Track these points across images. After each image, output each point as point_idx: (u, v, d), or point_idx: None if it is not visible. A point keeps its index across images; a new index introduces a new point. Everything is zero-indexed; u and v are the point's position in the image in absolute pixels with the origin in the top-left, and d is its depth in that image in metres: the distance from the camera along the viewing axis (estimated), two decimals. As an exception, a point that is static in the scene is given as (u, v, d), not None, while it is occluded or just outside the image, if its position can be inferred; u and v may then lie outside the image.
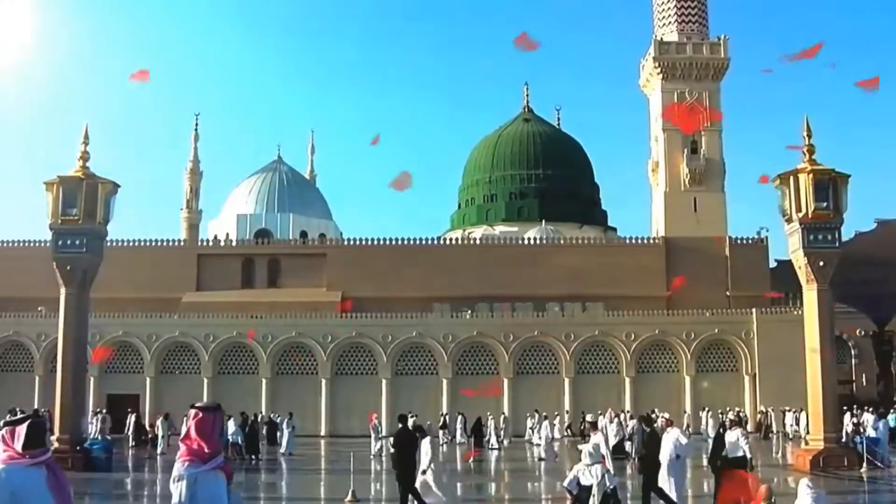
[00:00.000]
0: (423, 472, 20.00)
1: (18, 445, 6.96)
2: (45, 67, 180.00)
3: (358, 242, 74.23)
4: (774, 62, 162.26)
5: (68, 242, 33.07)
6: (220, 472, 7.11)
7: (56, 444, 32.12)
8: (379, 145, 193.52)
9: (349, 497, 22.51)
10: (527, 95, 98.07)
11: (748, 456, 20.50)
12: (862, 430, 37.67)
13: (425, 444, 20.36)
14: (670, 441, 19.66)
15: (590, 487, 18.03)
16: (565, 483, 19.31)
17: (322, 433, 59.67)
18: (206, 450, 7.04)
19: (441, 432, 49.82)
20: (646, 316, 63.17)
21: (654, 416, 24.21)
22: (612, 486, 18.20)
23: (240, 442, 40.66)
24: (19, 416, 7.33)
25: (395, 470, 20.36)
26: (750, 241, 73.02)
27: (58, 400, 32.69)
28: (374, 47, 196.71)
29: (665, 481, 19.41)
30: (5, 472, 6.89)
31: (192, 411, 7.49)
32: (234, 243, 77.77)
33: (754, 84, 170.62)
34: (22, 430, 7.03)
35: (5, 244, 71.69)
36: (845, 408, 45.39)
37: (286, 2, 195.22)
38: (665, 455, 19.47)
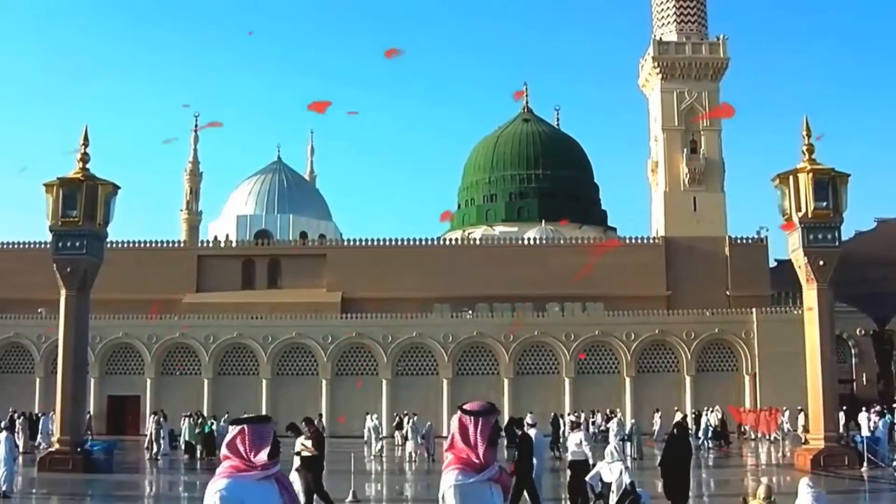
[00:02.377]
0: (297, 470, 19.78)
1: (257, 454, 5.71)
2: (45, 68, 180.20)
3: (358, 243, 74.22)
4: (773, 62, 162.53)
5: (68, 244, 33.10)
6: (494, 484, 5.97)
7: (56, 445, 32.22)
8: (378, 144, 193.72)
9: (349, 497, 22.52)
10: (526, 95, 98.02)
11: (590, 459, 20.49)
12: (859, 428, 37.74)
13: (298, 445, 20.25)
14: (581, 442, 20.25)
15: (610, 484, 18.60)
16: (588, 478, 19.71)
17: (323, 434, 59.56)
18: (474, 459, 5.90)
19: (396, 434, 49.37)
20: (646, 316, 63.16)
21: (527, 419, 24.36)
22: (629, 483, 18.45)
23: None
24: (246, 416, 6.14)
25: None
26: (750, 241, 73.03)
27: (58, 401, 32.73)
28: (372, 48, 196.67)
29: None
30: (231, 486, 5.60)
31: (461, 416, 6.10)
32: (234, 244, 77.77)
33: (754, 84, 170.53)
34: (267, 435, 5.82)
35: (5, 246, 71.71)
36: (864, 408, 45.56)
37: (286, 3, 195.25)
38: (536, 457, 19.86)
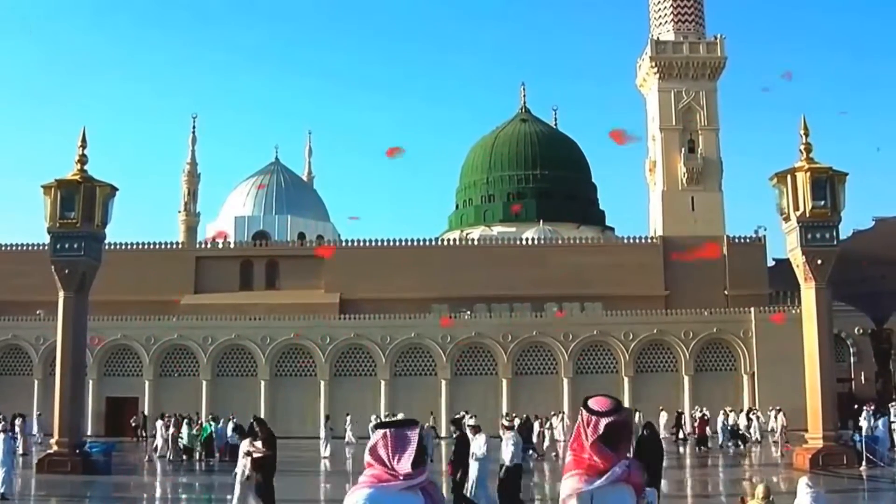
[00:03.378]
0: (248, 478, 19.68)
1: (400, 461, 5.14)
2: (43, 69, 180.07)
3: (356, 244, 74.18)
4: (770, 62, 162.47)
5: (66, 246, 33.07)
6: (625, 486, 5.48)
7: (55, 447, 32.20)
8: (376, 145, 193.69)
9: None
10: (524, 96, 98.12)
11: (519, 462, 20.21)
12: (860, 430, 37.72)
13: (243, 446, 20.16)
14: (475, 446, 19.86)
15: None
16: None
17: (321, 435, 59.52)
18: (596, 459, 5.43)
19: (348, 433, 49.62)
20: (644, 315, 63.16)
21: (464, 419, 24.29)
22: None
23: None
24: (390, 418, 5.49)
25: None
26: (748, 241, 73.04)
27: (56, 403, 32.71)
28: (371, 48, 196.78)
29: (471, 484, 19.71)
30: (372, 497, 5.08)
31: (585, 414, 5.64)
32: (231, 245, 77.72)
33: (751, 83, 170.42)
34: (409, 441, 5.20)
35: (4, 248, 71.69)
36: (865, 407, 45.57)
37: (284, 3, 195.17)
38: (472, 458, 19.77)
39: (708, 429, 49.10)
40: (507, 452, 19.40)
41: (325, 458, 42.00)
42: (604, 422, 5.45)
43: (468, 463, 19.85)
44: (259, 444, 19.79)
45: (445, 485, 21.51)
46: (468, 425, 21.47)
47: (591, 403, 5.60)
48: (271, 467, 19.96)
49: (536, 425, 45.03)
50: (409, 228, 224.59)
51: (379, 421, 20.05)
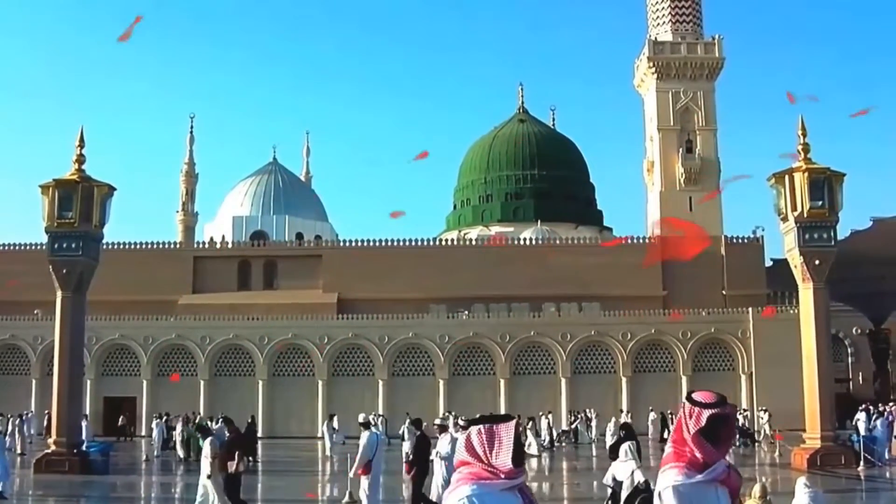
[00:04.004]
0: (209, 477, 19.65)
1: (499, 458, 4.82)
2: (41, 69, 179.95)
3: (353, 244, 74.20)
4: (768, 62, 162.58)
5: (64, 245, 33.03)
6: (721, 486, 5.17)
7: (52, 447, 32.18)
8: (375, 144, 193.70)
9: (346, 499, 22.49)
10: (521, 96, 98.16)
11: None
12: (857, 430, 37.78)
13: (206, 447, 20.10)
14: (440, 445, 19.84)
15: (622, 483, 18.64)
16: (605, 480, 19.70)
17: (319, 435, 59.56)
18: (697, 454, 5.13)
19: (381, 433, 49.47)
20: (642, 316, 63.16)
21: (447, 420, 24.32)
22: (643, 481, 18.51)
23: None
24: (489, 414, 5.22)
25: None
26: (746, 241, 73.07)
27: (54, 403, 32.69)
28: (369, 48, 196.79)
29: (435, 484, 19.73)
30: (476, 494, 4.77)
31: (688, 406, 5.29)
32: (229, 245, 77.69)
33: (749, 83, 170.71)
34: (507, 436, 4.87)
35: (1, 247, 71.65)
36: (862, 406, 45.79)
37: (282, 3, 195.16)
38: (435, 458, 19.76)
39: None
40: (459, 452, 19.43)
41: (328, 457, 42.01)
42: (707, 413, 5.16)
43: (427, 463, 19.87)
44: (207, 451, 19.70)
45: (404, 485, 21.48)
46: (436, 425, 21.46)
47: (695, 396, 5.32)
48: (236, 472, 19.92)
49: (528, 423, 44.97)
50: (407, 229, 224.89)
51: (365, 419, 19.93)
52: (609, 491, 19.57)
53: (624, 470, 18.81)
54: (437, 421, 21.97)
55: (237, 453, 19.35)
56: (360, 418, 20.39)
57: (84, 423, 49.69)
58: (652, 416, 53.85)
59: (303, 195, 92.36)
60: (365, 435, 19.19)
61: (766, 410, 54.41)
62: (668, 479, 5.14)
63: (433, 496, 19.57)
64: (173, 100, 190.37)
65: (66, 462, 30.89)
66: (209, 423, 43.38)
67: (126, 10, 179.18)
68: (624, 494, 18.37)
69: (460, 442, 4.97)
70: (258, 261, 73.76)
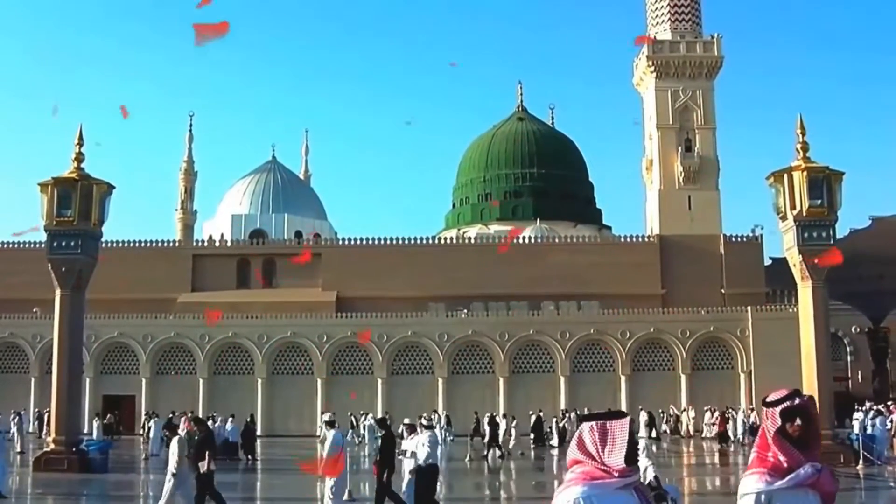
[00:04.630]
0: (174, 476, 19.64)
1: (613, 457, 4.57)
2: (39, 67, 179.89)
3: (352, 242, 74.22)
4: (767, 61, 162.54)
5: (63, 244, 32.99)
6: (811, 491, 4.83)
7: (52, 445, 32.17)
8: (375, 146, 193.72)
9: (346, 497, 22.49)
10: (520, 94, 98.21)
11: (434, 462, 19.99)
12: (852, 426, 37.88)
13: (173, 445, 20.09)
14: (413, 444, 19.80)
15: None
16: None
17: (318, 434, 59.55)
18: (781, 458, 4.83)
19: (350, 432, 49.58)
20: (641, 314, 63.15)
21: (421, 420, 24.46)
22: (654, 478, 18.62)
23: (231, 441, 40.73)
24: (604, 411, 4.96)
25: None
26: (744, 239, 73.09)
27: (53, 401, 32.67)
28: (368, 47, 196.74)
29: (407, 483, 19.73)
30: (587, 494, 4.52)
31: (769, 411, 4.99)
32: (228, 244, 77.73)
33: (748, 82, 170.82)
34: (620, 434, 4.61)
35: (0, 245, 71.63)
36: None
37: (281, 2, 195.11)
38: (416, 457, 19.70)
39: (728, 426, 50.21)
40: (421, 452, 19.41)
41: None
42: (778, 409, 4.91)
43: (394, 461, 19.90)
44: (175, 450, 19.70)
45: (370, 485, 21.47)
46: (405, 424, 21.53)
47: (768, 397, 5.06)
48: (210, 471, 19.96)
49: (503, 423, 44.87)
50: (406, 227, 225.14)
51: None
52: None
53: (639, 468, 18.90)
54: (406, 421, 22.04)
55: (207, 453, 19.36)
56: (326, 417, 20.30)
57: (95, 423, 50.00)
58: (644, 416, 53.56)
59: (302, 194, 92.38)
60: (330, 434, 19.11)
61: (753, 409, 54.74)
62: (748, 486, 4.91)
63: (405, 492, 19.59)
64: (172, 98, 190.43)
65: (65, 460, 30.86)
66: (211, 421, 43.52)
67: (127, 10, 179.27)
68: None
69: (573, 441, 4.74)
70: (257, 259, 73.75)
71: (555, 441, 48.97)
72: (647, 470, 18.67)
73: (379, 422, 22.21)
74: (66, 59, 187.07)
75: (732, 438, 49.38)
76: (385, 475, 19.68)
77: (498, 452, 40.46)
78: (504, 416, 46.68)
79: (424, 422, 21.16)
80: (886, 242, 60.95)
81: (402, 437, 21.27)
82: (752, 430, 49.62)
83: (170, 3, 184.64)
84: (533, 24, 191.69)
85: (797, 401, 4.90)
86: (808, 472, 4.80)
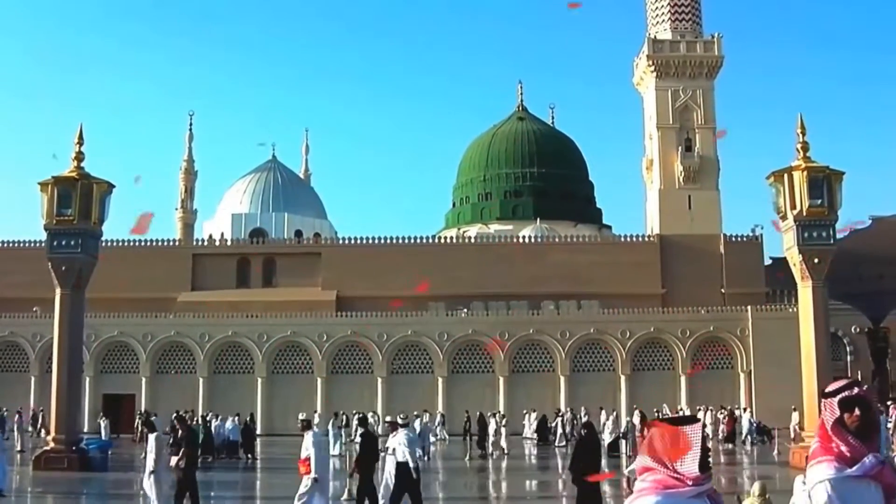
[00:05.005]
0: (153, 473, 19.66)
1: (686, 464, 4.40)
2: (39, 66, 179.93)
3: (353, 241, 74.25)
4: (767, 60, 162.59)
5: (63, 243, 33.04)
6: (873, 483, 4.68)
7: (52, 444, 32.19)
8: (375, 145, 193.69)
9: (345, 496, 22.54)
10: (521, 94, 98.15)
11: (409, 462, 19.94)
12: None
13: (150, 442, 20.11)
14: (395, 443, 19.76)
15: None
16: (626, 471, 19.84)
17: (329, 433, 59.56)
18: (843, 449, 4.70)
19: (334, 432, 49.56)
20: (641, 314, 63.16)
21: (386, 418, 24.41)
22: None
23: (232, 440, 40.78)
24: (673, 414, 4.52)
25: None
26: (745, 239, 73.10)
27: (53, 400, 32.69)
28: (368, 46, 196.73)
29: (381, 484, 19.87)
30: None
31: (827, 401, 4.88)
32: (228, 243, 77.72)
33: (748, 82, 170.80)
34: (693, 439, 4.44)
35: (0, 244, 71.66)
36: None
37: (280, 1, 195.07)
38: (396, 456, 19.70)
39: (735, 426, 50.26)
40: (399, 450, 19.51)
41: (333, 456, 41.97)
42: (836, 400, 4.75)
43: (374, 460, 20.02)
44: (153, 443, 19.79)
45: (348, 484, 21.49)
46: (387, 422, 21.57)
47: (827, 389, 4.88)
48: (192, 464, 20.08)
49: (493, 422, 44.80)
50: (406, 226, 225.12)
51: (306, 418, 19.71)
52: (628, 486, 19.82)
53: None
54: (388, 419, 22.12)
55: (182, 450, 19.43)
56: (301, 416, 20.28)
57: (103, 423, 49.77)
58: (637, 416, 53.39)
59: (302, 193, 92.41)
60: (310, 435, 19.06)
61: (745, 409, 55.09)
62: (819, 474, 4.70)
63: (381, 491, 19.65)
64: (173, 97, 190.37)
65: (64, 459, 30.90)
66: (214, 420, 43.54)
67: (127, 10, 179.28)
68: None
69: (642, 447, 4.55)
70: (257, 258, 73.77)
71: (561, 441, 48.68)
72: None
73: (360, 421, 22.13)
74: (65, 58, 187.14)
75: (742, 438, 49.30)
76: (363, 473, 19.75)
77: (488, 451, 40.62)
78: (493, 414, 46.37)
79: (400, 420, 21.22)
80: (886, 242, 60.90)
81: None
82: (759, 430, 49.71)
83: (170, 2, 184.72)
84: (533, 24, 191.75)
85: (856, 390, 4.75)
86: (873, 462, 4.67)
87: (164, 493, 19.44)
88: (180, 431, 20.27)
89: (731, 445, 47.61)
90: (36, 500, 26.95)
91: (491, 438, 42.52)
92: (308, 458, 17.87)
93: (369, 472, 19.72)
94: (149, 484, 19.59)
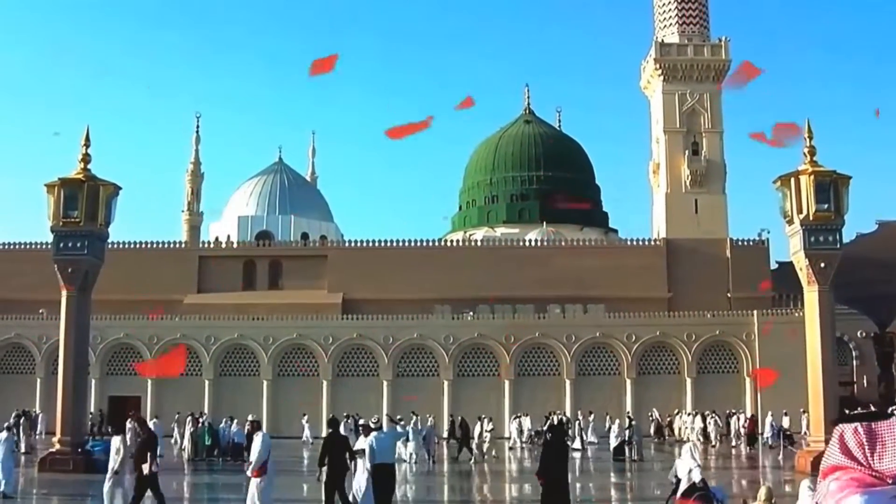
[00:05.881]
0: (116, 473, 19.68)
1: (885, 461, 4.48)
2: (47, 69, 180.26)
3: (359, 244, 74.27)
4: (775, 65, 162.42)
5: (69, 245, 33.09)
6: None
7: (57, 446, 32.22)
8: (382, 148, 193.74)
9: (350, 498, 22.50)
10: (527, 97, 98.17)
11: (379, 461, 19.86)
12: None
13: (115, 444, 20.12)
14: (365, 444, 19.90)
15: (680, 479, 19.16)
16: (670, 476, 20.19)
17: (323, 435, 59.46)
18: (866, 474, 4.30)
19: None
20: (647, 317, 63.09)
21: (361, 420, 24.53)
22: (700, 480, 18.89)
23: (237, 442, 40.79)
24: (860, 411, 4.44)
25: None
26: (751, 243, 72.99)
27: (59, 402, 32.72)
28: (374, 49, 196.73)
29: (358, 485, 19.88)
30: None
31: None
32: (235, 245, 77.84)
33: (755, 85, 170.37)
34: (889, 435, 4.44)
35: (6, 246, 71.81)
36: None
37: (287, 4, 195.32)
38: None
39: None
40: (368, 452, 19.65)
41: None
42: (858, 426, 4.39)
43: (342, 462, 19.97)
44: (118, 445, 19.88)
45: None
46: (361, 426, 21.62)
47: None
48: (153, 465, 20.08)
49: (477, 427, 44.63)
50: (412, 229, 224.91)
51: (255, 419, 19.74)
52: (672, 487, 20.06)
53: (683, 468, 19.31)
54: (362, 421, 22.22)
55: (149, 454, 19.45)
56: (250, 417, 20.24)
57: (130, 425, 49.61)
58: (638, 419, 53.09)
59: (308, 195, 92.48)
60: (259, 436, 18.93)
61: (737, 412, 55.15)
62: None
63: (355, 492, 19.72)
64: (179, 99, 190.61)
65: (70, 461, 30.92)
66: (226, 422, 43.59)
67: (135, 14, 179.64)
68: (681, 489, 18.92)
69: (832, 444, 4.31)
70: (263, 261, 73.82)
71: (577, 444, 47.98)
72: (692, 471, 19.09)
73: (329, 422, 22.11)
74: (73, 61, 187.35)
75: (764, 441, 49.15)
76: (327, 475, 19.80)
77: (470, 455, 40.60)
78: (479, 418, 45.96)
79: (373, 423, 21.31)
80: (893, 247, 60.74)
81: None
82: (781, 433, 49.55)
83: (176, 5, 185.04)
84: (540, 27, 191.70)
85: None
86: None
87: (126, 493, 19.48)
88: (142, 434, 20.32)
89: (751, 448, 47.50)
90: (41, 501, 26.99)
91: (475, 441, 42.41)
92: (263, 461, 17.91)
93: (335, 474, 19.73)
94: (108, 487, 19.63)
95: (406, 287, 68.13)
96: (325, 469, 19.95)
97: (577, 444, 47.53)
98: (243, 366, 63.03)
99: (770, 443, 48.38)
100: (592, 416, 54.76)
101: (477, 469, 38.41)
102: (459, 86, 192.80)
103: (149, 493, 19.30)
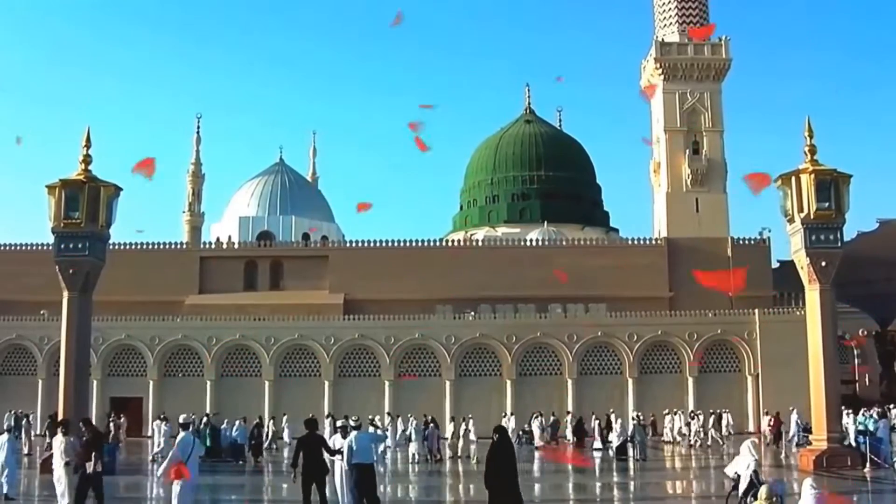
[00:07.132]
0: (65, 465, 19.80)
1: None
2: (48, 70, 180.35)
3: (360, 244, 74.27)
4: (775, 63, 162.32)
5: (70, 246, 33.09)
6: None
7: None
8: (383, 148, 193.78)
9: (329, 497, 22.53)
10: (528, 97, 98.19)
11: (358, 461, 19.92)
12: (846, 431, 37.83)
13: (57, 444, 20.23)
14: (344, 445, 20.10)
15: (740, 477, 20.09)
16: (728, 472, 20.90)
17: (325, 436, 59.45)
18: None
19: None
20: (648, 317, 63.07)
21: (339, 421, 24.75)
22: (754, 471, 19.76)
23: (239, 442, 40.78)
24: None
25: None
26: (752, 242, 72.98)
27: (60, 403, 32.70)
28: (375, 49, 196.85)
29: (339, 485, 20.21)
30: None
31: None
32: (236, 246, 77.90)
33: (756, 85, 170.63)
34: None
35: (8, 248, 71.87)
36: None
37: (289, 4, 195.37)
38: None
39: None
40: (346, 452, 19.75)
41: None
42: None
43: (316, 464, 20.02)
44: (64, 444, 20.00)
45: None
46: (338, 426, 21.70)
47: None
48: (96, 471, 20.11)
49: (450, 426, 44.24)
50: (413, 229, 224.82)
51: (185, 420, 19.74)
52: (732, 483, 20.78)
53: (742, 464, 19.97)
54: (339, 423, 22.33)
55: (94, 454, 19.45)
56: (181, 419, 20.15)
57: (163, 426, 49.50)
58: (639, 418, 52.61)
59: (309, 196, 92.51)
60: (181, 436, 18.67)
61: (726, 411, 55.06)
62: None
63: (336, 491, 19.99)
64: (180, 100, 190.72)
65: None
66: (225, 423, 43.55)
67: (131, 12, 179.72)
68: (742, 485, 19.74)
69: None
70: (264, 261, 73.83)
71: (599, 443, 47.64)
72: (749, 466, 19.52)
73: (306, 423, 22.21)
74: (75, 61, 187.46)
75: (789, 438, 48.96)
76: (302, 474, 19.90)
77: (444, 454, 40.57)
78: (464, 418, 45.40)
79: (352, 423, 21.36)
80: (893, 245, 60.83)
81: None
82: (808, 429, 49.36)
83: (178, 5, 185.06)
84: (541, 27, 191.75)
85: None
86: None
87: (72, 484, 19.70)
88: (87, 433, 20.40)
89: (776, 446, 47.40)
90: (43, 502, 26.98)
91: (448, 441, 42.30)
92: (178, 462, 17.85)
93: (309, 475, 19.82)
94: (58, 476, 19.77)
95: (407, 287, 68.18)
96: (298, 469, 20.05)
97: (597, 444, 47.38)
98: (245, 366, 63.00)
99: (797, 440, 47.92)
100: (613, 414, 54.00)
101: (431, 469, 37.86)
102: (460, 86, 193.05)
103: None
